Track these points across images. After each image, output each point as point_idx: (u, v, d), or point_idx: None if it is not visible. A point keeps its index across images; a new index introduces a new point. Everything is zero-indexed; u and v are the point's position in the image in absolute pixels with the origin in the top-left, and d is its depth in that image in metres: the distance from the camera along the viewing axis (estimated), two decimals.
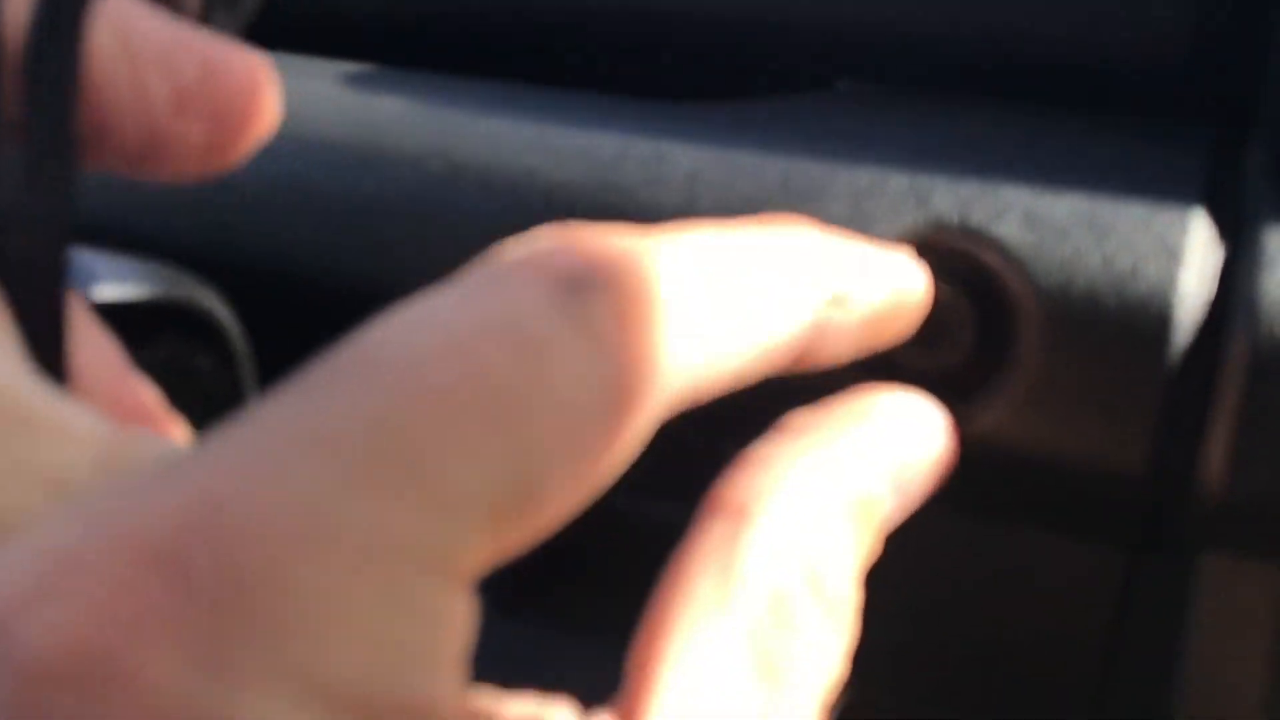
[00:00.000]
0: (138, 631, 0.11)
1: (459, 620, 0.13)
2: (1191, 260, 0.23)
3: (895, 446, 0.18)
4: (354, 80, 0.33)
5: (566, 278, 0.15)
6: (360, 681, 0.12)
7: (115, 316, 0.20)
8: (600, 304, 0.15)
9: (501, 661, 0.21)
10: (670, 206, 0.27)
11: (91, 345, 0.18)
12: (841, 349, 0.19)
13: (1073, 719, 0.29)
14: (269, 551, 0.11)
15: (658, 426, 0.15)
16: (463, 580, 0.13)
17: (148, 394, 0.19)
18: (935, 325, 0.24)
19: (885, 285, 0.19)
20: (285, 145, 0.31)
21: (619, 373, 0.14)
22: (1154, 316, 0.22)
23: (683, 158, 0.27)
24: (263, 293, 0.30)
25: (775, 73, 0.33)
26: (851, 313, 0.18)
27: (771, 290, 0.17)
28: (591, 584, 0.34)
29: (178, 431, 0.19)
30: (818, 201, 0.25)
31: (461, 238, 0.28)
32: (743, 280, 0.16)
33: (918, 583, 0.29)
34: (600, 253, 0.15)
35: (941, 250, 0.24)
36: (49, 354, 0.15)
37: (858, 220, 0.25)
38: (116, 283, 0.25)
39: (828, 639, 0.16)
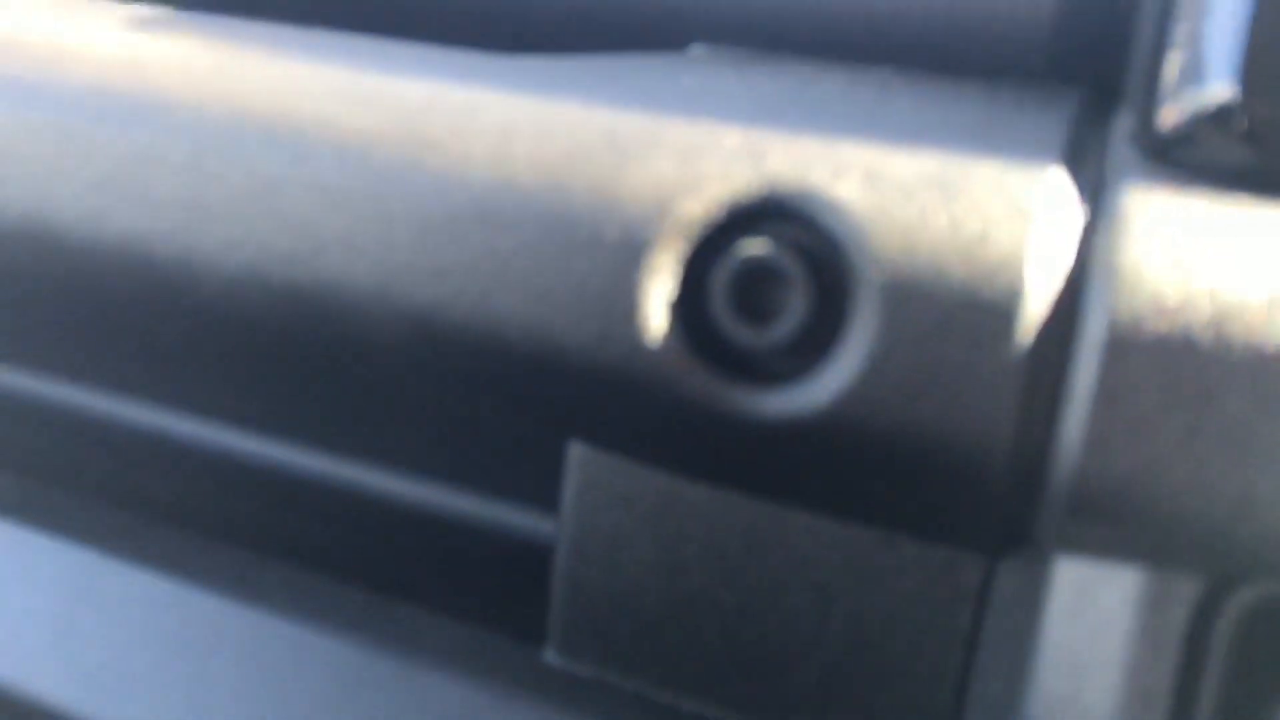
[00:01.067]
0: None
1: None
2: (1047, 224, 0.20)
3: None
4: (140, 21, 0.29)
5: None
6: None
7: None
8: None
9: None
10: (480, 160, 0.23)
11: None
12: None
13: None
14: None
15: None
16: None
17: None
18: (766, 296, 0.22)
19: None
20: (51, 90, 0.27)
21: None
22: (1004, 285, 0.20)
23: (496, 108, 0.24)
24: (13, 251, 0.26)
25: (625, 32, 0.31)
26: None
27: None
28: None
29: None
30: (643, 158, 0.22)
31: (240, 193, 0.25)
32: None
33: (772, 588, 0.26)
34: None
35: (775, 212, 0.22)
36: None
37: (686, 179, 0.22)
38: None
39: None
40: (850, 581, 0.25)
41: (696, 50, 0.32)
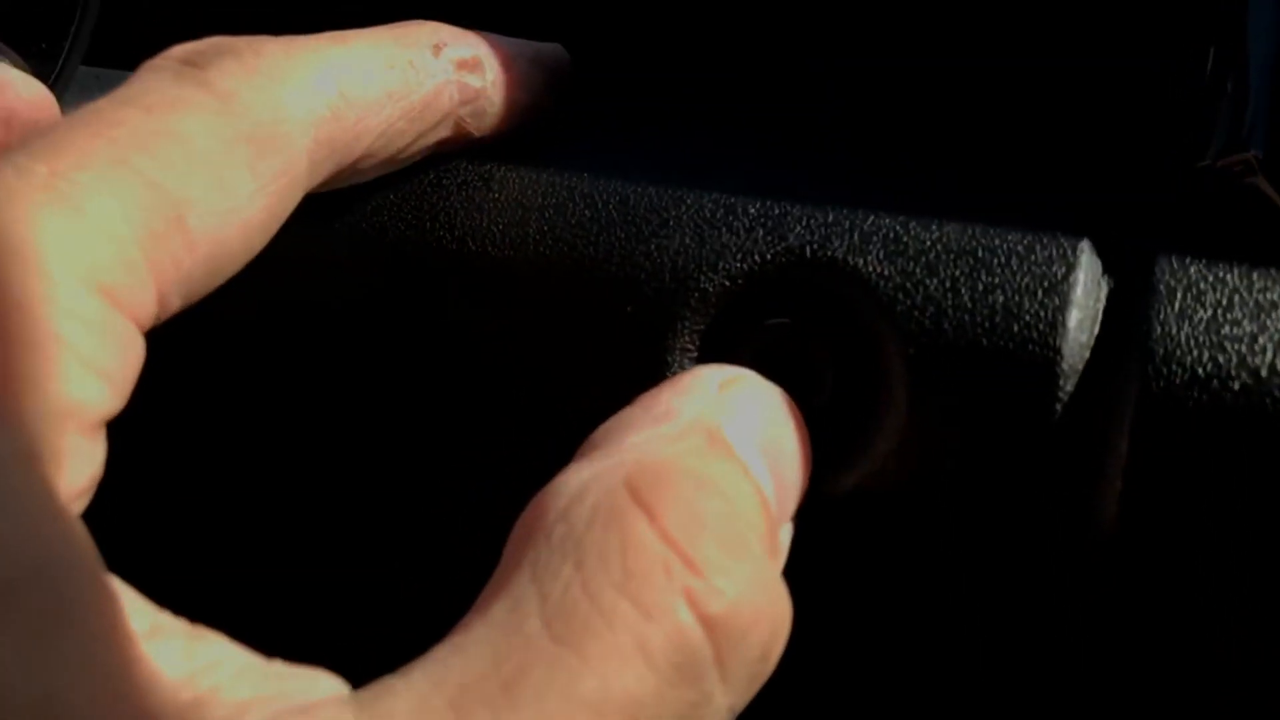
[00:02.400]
0: None
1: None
2: (1078, 298, 0.20)
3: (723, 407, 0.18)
4: None
5: (187, 56, 0.19)
6: None
7: None
8: (219, 68, 0.19)
9: None
10: (496, 233, 0.23)
11: None
12: (489, 109, 0.24)
13: None
14: None
15: (312, 174, 0.20)
16: (112, 294, 0.16)
17: None
18: (792, 371, 0.21)
19: (520, 57, 0.24)
20: None
21: (250, 121, 0.19)
22: (1035, 362, 0.19)
23: (512, 181, 0.24)
24: None
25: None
26: (488, 76, 0.23)
27: (387, 48, 0.22)
28: None
29: None
30: (661, 230, 0.22)
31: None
32: (361, 38, 0.22)
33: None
34: (223, 38, 0.20)
35: (797, 285, 0.21)
36: None
37: (706, 252, 0.22)
38: None
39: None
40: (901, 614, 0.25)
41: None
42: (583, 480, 0.16)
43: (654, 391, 0.19)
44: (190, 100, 0.18)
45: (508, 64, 0.24)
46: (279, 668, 0.15)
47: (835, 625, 0.23)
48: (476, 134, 0.24)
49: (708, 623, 0.15)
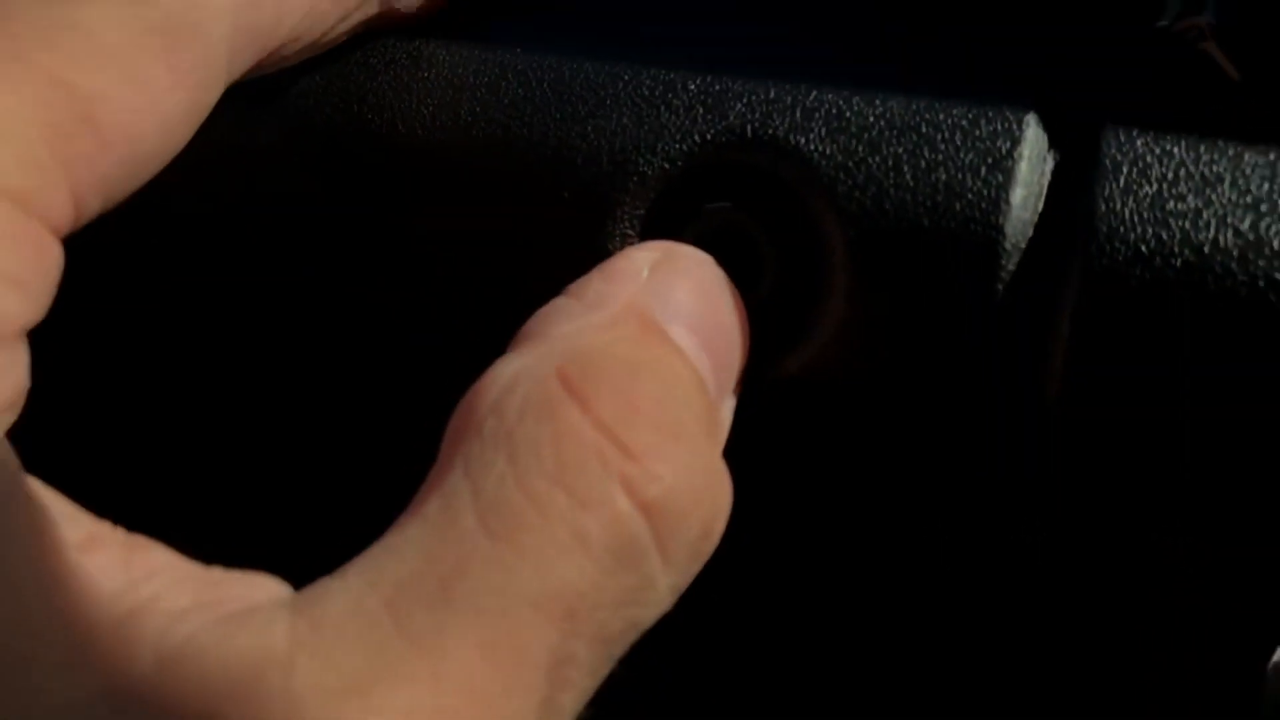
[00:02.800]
0: None
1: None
2: (1023, 174, 0.19)
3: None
4: None
5: None
6: None
7: None
8: None
9: None
10: (427, 112, 0.22)
11: None
12: None
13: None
14: None
15: (232, 64, 0.19)
16: (22, 199, 0.16)
17: None
18: (735, 258, 0.21)
19: None
20: None
21: (160, 8, 0.17)
22: (977, 241, 0.19)
23: (441, 59, 0.23)
24: None
25: None
26: None
27: None
28: None
29: None
30: (598, 111, 0.21)
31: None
32: None
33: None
34: None
35: (739, 166, 0.21)
36: None
37: (644, 132, 0.21)
38: None
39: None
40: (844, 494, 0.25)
41: None
42: (513, 371, 0.16)
43: (584, 279, 0.18)
44: None
45: None
46: (218, 574, 0.15)
47: (778, 508, 0.23)
48: (405, 11, 0.23)
49: (646, 508, 0.15)
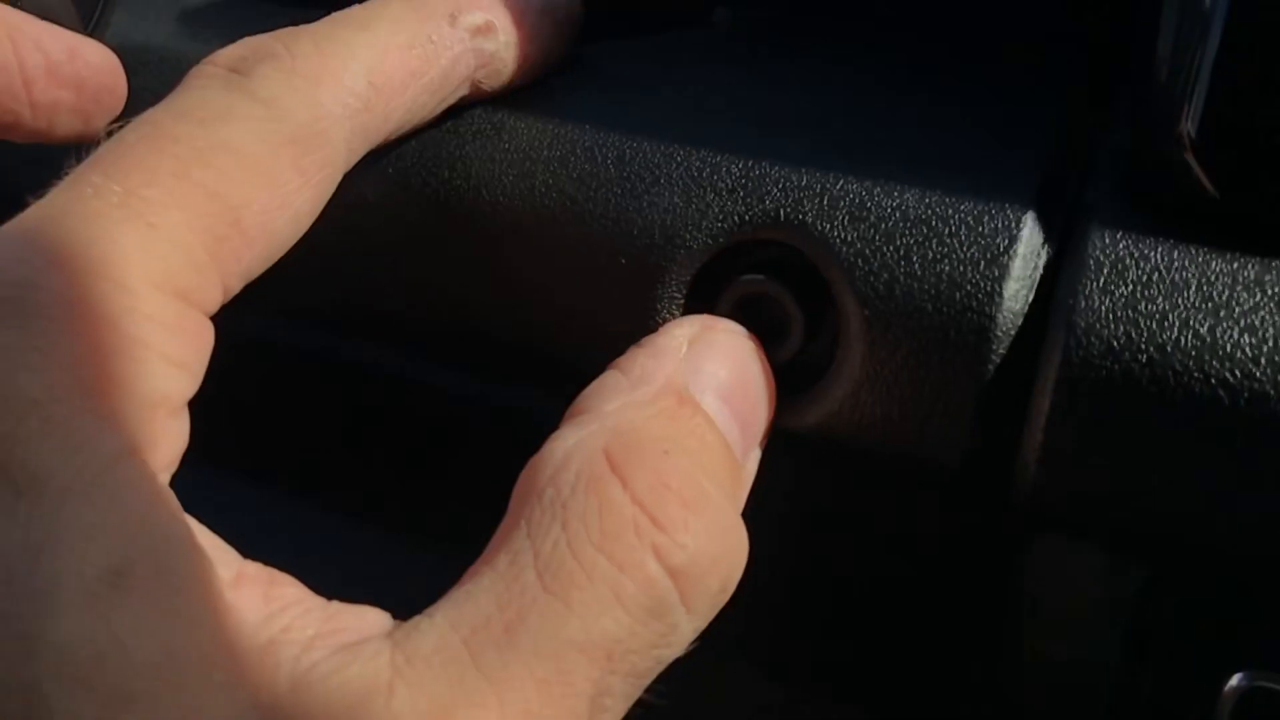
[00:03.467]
0: None
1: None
2: (1017, 269, 0.22)
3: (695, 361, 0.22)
4: None
5: (232, 64, 0.22)
6: None
7: None
8: (261, 75, 0.21)
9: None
10: (507, 182, 0.26)
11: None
12: (504, 69, 0.26)
13: (934, 660, 0.30)
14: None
15: (349, 159, 0.23)
16: (186, 295, 0.19)
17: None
18: (766, 321, 0.24)
19: (531, 14, 0.26)
20: None
21: (292, 124, 0.21)
22: (972, 328, 0.22)
23: (521, 132, 0.26)
24: None
25: None
26: (502, 38, 0.25)
27: (407, 26, 0.24)
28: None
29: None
30: (653, 189, 0.25)
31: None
32: (382, 18, 0.23)
33: (795, 530, 0.29)
34: (262, 41, 0.22)
35: (772, 245, 0.24)
36: None
37: (692, 211, 0.24)
38: None
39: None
40: (868, 521, 0.28)
41: (721, 13, 0.33)
42: (568, 448, 0.20)
43: (631, 354, 0.22)
44: (238, 110, 0.21)
45: (519, 21, 0.26)
46: (336, 606, 0.19)
47: (792, 543, 0.27)
48: (491, 93, 0.26)
49: (673, 572, 0.19)
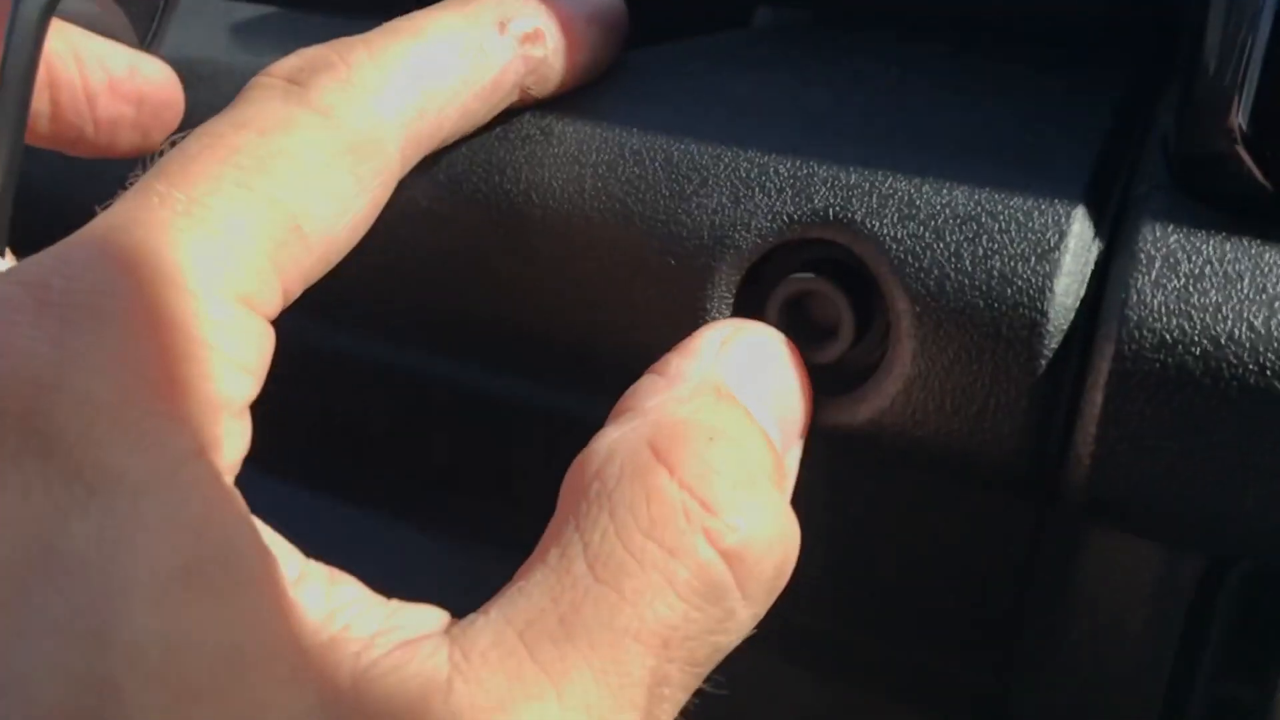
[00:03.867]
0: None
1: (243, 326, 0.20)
2: (1068, 264, 0.22)
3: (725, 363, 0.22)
4: None
5: (290, 74, 0.22)
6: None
7: None
8: (319, 86, 0.22)
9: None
10: (556, 187, 0.26)
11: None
12: (553, 75, 0.26)
13: (984, 659, 0.30)
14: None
15: (404, 166, 0.23)
16: (248, 300, 0.20)
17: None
18: (816, 320, 0.24)
19: (578, 19, 0.26)
20: None
21: (350, 133, 0.22)
22: (1023, 324, 0.22)
23: (569, 137, 0.26)
24: None
25: None
26: (550, 44, 0.25)
27: (459, 33, 0.24)
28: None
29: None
30: (701, 190, 0.25)
31: None
32: (434, 25, 0.24)
33: (850, 525, 0.29)
34: (317, 53, 0.23)
35: (821, 244, 0.24)
36: None
37: (740, 211, 0.24)
38: None
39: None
40: (922, 519, 0.28)
41: (763, 13, 0.34)
42: (611, 443, 0.20)
43: (667, 357, 0.22)
44: (297, 120, 0.21)
45: (567, 28, 0.26)
46: (395, 605, 0.19)
47: (846, 538, 0.27)
48: (539, 98, 0.26)
49: (726, 554, 0.19)
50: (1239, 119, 0.22)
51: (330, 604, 0.19)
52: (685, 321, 0.25)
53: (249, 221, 0.20)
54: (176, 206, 0.19)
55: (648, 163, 0.25)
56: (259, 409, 0.21)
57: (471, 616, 0.19)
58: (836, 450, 0.25)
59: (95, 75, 0.26)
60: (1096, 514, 0.23)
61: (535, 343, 0.27)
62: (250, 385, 0.20)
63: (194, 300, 0.19)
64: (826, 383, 0.24)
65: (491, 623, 0.18)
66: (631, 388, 0.22)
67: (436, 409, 0.31)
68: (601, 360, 0.26)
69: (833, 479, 0.25)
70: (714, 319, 0.25)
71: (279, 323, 0.22)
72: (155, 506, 0.16)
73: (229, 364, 0.19)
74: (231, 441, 0.19)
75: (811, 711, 0.34)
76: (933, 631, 0.31)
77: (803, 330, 0.24)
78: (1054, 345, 0.22)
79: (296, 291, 0.21)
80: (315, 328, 0.30)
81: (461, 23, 0.24)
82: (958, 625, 0.30)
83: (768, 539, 0.19)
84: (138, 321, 0.18)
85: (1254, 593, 0.25)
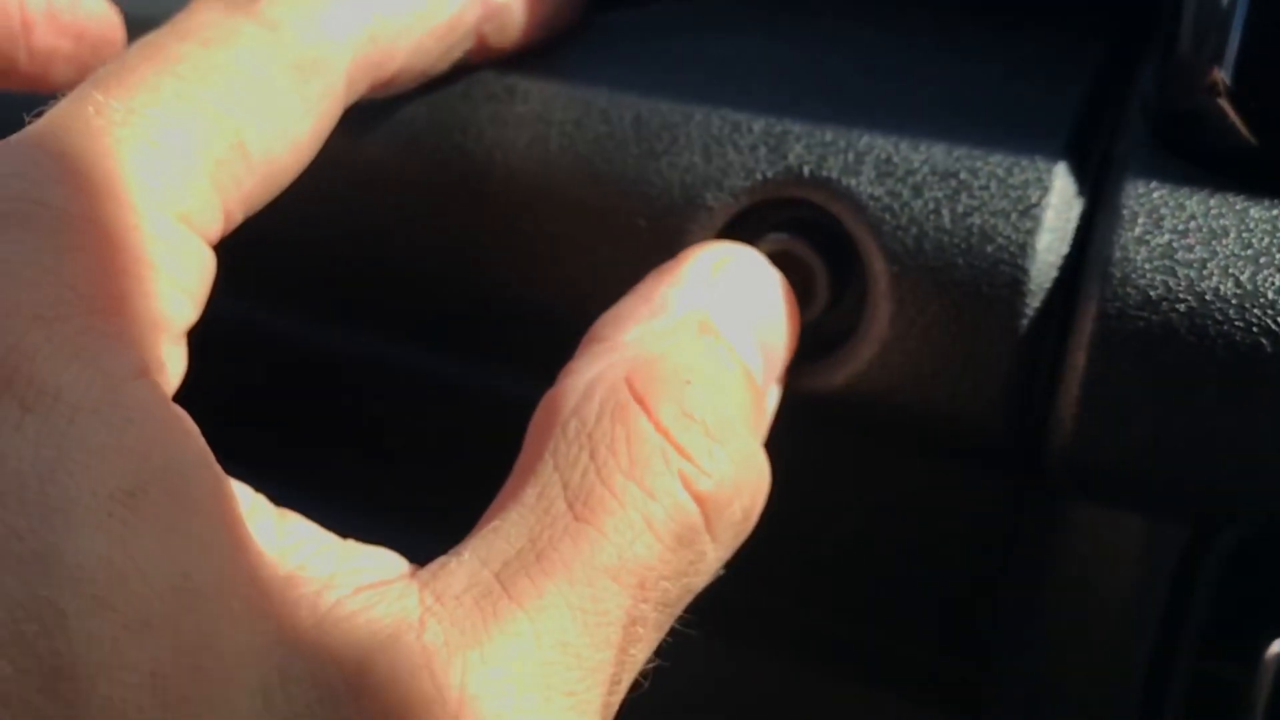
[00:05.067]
0: None
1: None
2: (1049, 221, 0.22)
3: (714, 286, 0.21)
4: None
5: None
6: None
7: None
8: (270, 4, 0.21)
9: None
10: (520, 145, 0.25)
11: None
12: (512, 21, 0.25)
13: (960, 640, 0.30)
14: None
15: (350, 93, 0.22)
16: (189, 220, 0.19)
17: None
18: (793, 281, 0.24)
19: None
20: None
21: (296, 48, 0.20)
22: (1005, 282, 0.21)
23: (534, 95, 0.25)
24: None
25: None
26: None
27: None
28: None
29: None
30: (671, 149, 0.24)
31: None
32: None
33: (823, 501, 0.28)
34: None
35: (796, 203, 0.23)
36: None
37: (713, 170, 0.24)
38: None
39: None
40: (897, 495, 0.28)
41: None
42: (589, 379, 0.19)
43: (649, 280, 0.21)
44: (242, 31, 0.20)
45: None
46: (352, 545, 0.18)
47: (819, 515, 0.26)
48: (499, 47, 0.25)
49: (699, 498, 0.19)
50: (1223, 73, 0.21)
51: (281, 540, 0.18)
52: None
53: (190, 135, 0.19)
54: (114, 116, 0.18)
55: (616, 121, 0.25)
56: (199, 393, 0.20)
57: (442, 559, 0.18)
58: (813, 421, 0.24)
59: (33, 3, 0.24)
60: (1078, 483, 0.23)
61: (497, 307, 0.26)
62: (190, 309, 0.19)
63: (134, 214, 0.18)
64: (803, 348, 0.24)
65: (465, 564, 0.18)
66: (609, 312, 0.21)
67: (374, 391, 0.30)
68: (564, 328, 0.25)
69: (808, 455, 0.25)
70: None
71: (220, 303, 0.20)
72: (95, 425, 0.15)
73: (171, 284, 0.18)
74: (171, 367, 0.18)
75: (784, 699, 0.33)
76: (907, 612, 0.30)
77: None
78: (1036, 304, 0.22)
79: (238, 217, 0.20)
80: (258, 312, 0.28)
81: None
82: (932, 605, 0.30)
83: (737, 484, 0.19)
84: (73, 233, 0.17)
85: (1236, 568, 0.24)
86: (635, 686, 0.19)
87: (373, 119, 0.26)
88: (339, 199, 0.26)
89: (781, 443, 0.23)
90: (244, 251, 0.22)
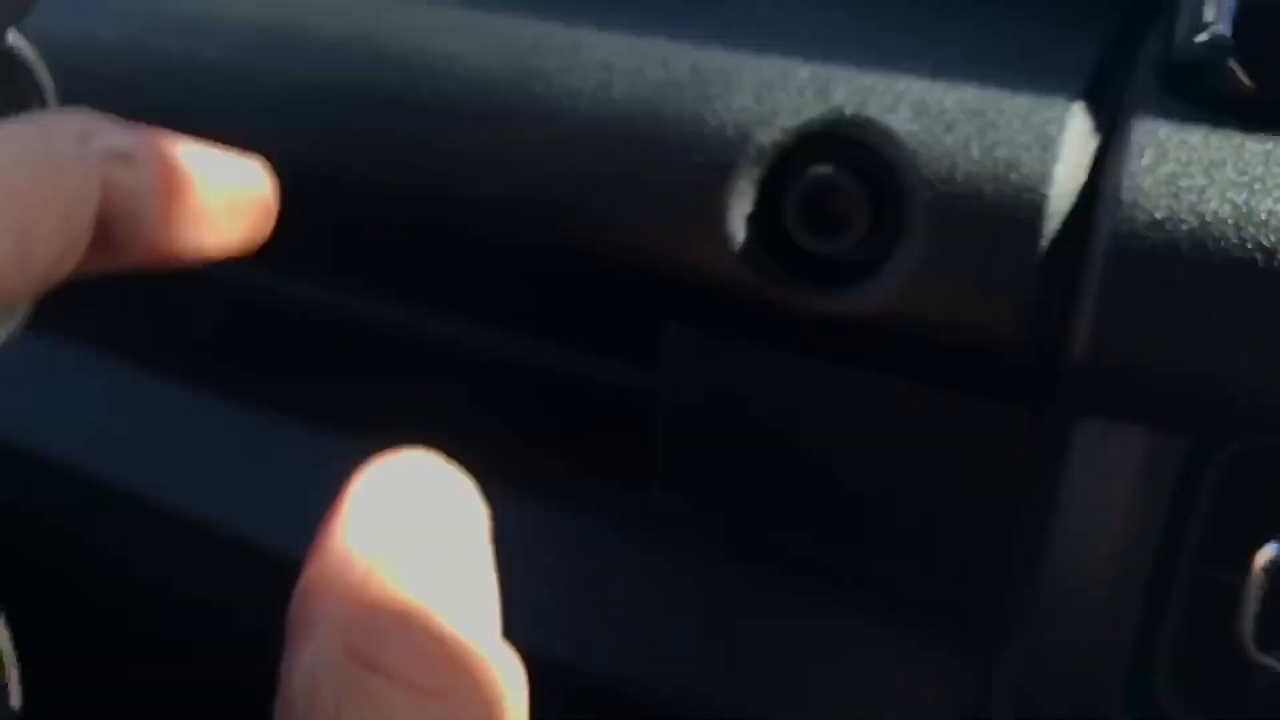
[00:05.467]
0: None
1: None
2: (1067, 154, 0.24)
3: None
4: None
5: None
6: None
7: None
8: None
9: None
10: (586, 94, 0.28)
11: None
12: (144, 213, 0.19)
13: (981, 561, 0.32)
14: None
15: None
16: None
17: None
18: (834, 211, 0.26)
19: (188, 159, 0.19)
20: (209, 27, 0.32)
21: None
22: (1027, 206, 0.24)
23: (598, 46, 0.28)
24: None
25: None
26: (141, 174, 0.19)
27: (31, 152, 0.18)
28: None
29: None
30: (725, 92, 0.27)
31: (381, 123, 0.29)
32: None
33: (845, 435, 0.31)
34: None
35: (840, 139, 0.26)
36: None
37: (763, 110, 0.26)
38: None
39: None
40: (914, 431, 0.30)
41: None
42: (308, 666, 0.15)
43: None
44: None
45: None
46: None
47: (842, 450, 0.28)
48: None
49: None
50: (1223, 23, 0.24)
51: None
52: (709, 213, 0.26)
53: None
54: None
55: (674, 68, 0.27)
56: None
57: None
58: (847, 353, 0.27)
59: None
60: (1091, 397, 0.25)
61: (557, 244, 0.29)
62: None
63: None
64: (839, 275, 0.26)
65: None
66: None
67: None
68: (623, 260, 0.28)
69: (832, 391, 0.27)
70: (736, 215, 0.26)
71: None
72: None
73: None
74: None
75: (797, 632, 0.35)
76: (923, 545, 0.32)
77: (819, 223, 0.26)
78: (1056, 226, 0.24)
79: None
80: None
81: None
82: (949, 538, 0.32)
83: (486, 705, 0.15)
84: None
85: (1235, 477, 0.27)
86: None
87: (437, 68, 0.29)
88: (414, 144, 0.29)
89: (807, 380, 0.25)
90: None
